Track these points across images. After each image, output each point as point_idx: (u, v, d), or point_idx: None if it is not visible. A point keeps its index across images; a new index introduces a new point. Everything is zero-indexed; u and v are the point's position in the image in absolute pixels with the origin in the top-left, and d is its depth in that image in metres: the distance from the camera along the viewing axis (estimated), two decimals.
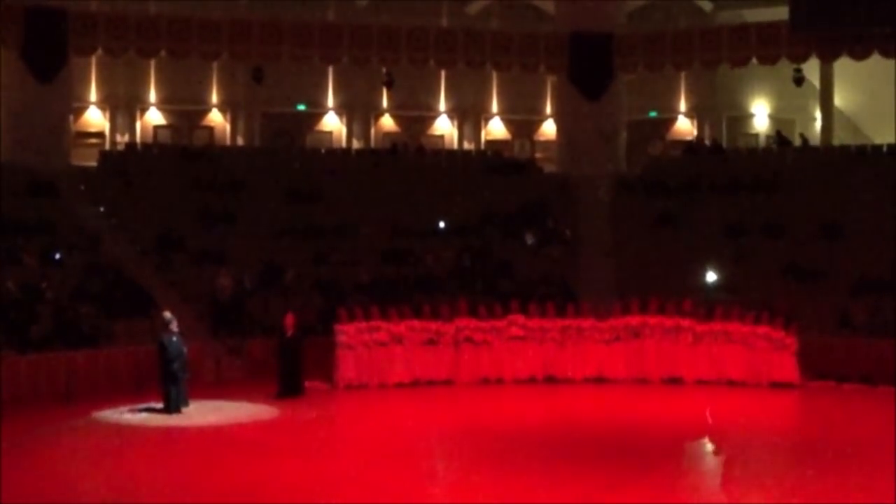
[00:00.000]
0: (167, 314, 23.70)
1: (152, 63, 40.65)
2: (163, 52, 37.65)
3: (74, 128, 39.05)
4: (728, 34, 38.56)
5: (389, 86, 39.92)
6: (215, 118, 42.56)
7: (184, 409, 22.62)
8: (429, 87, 43.68)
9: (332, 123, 43.55)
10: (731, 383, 26.85)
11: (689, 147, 41.24)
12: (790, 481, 17.38)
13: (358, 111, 43.51)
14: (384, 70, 39.19)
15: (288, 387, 24.84)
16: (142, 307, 28.49)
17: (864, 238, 31.87)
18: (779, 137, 40.76)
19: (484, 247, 33.46)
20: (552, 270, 32.53)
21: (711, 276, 31.41)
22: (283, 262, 31.49)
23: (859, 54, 36.73)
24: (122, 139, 41.16)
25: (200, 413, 22.70)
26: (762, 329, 26.90)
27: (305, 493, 16.31)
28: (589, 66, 38.89)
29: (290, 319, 25.53)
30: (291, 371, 25.04)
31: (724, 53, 38.48)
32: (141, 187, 34.67)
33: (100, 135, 41.43)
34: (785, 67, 38.38)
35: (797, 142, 40.58)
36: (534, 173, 39.99)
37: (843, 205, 33.62)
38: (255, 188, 35.35)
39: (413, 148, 40.46)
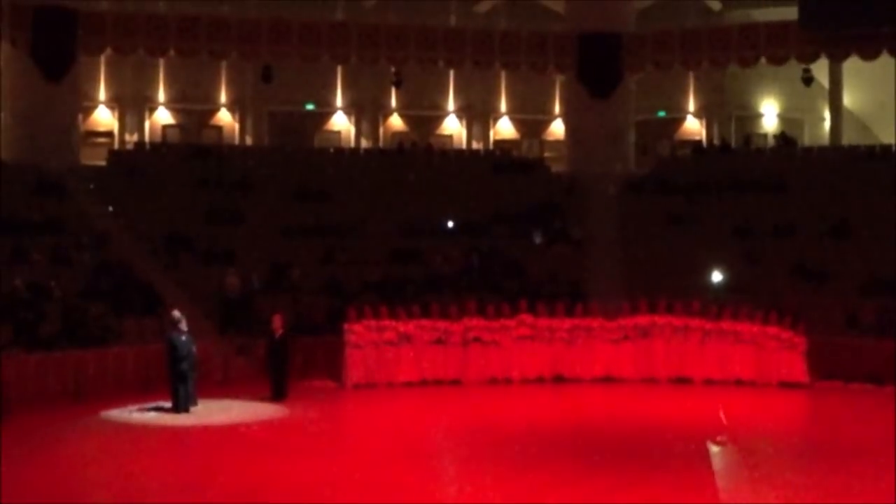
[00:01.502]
0: (176, 313, 23.70)
1: (161, 62, 40.81)
2: (171, 52, 37.74)
3: (83, 127, 39.19)
4: (737, 34, 38.56)
5: (398, 85, 39.98)
6: (224, 117, 42.66)
7: (192, 409, 22.63)
8: (437, 86, 43.76)
9: (341, 123, 43.63)
10: (740, 383, 26.85)
11: (698, 147, 41.21)
12: (798, 481, 17.35)
13: (366, 111, 43.61)
14: (393, 69, 39.23)
15: (279, 389, 24.60)
16: (150, 306, 28.51)
17: (872, 238, 31.83)
18: (783, 137, 40.74)
19: (492, 246, 33.46)
20: (561, 270, 32.49)
21: (717, 276, 31.36)
22: (291, 262, 31.49)
23: (868, 54, 36.71)
24: (130, 138, 41.31)
25: (209, 412, 22.70)
26: (771, 329, 26.91)
27: (313, 492, 16.31)
28: (597, 66, 38.89)
29: (278, 320, 25.22)
30: (279, 373, 24.74)
31: (733, 53, 38.49)
32: (149, 186, 34.72)
33: (108, 134, 41.59)
34: (794, 67, 38.35)
35: (805, 142, 40.64)
36: (542, 173, 39.99)
37: (852, 205, 33.59)
38: (263, 187, 35.39)
39: (421, 147, 40.50)
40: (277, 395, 24.43)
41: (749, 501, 16.35)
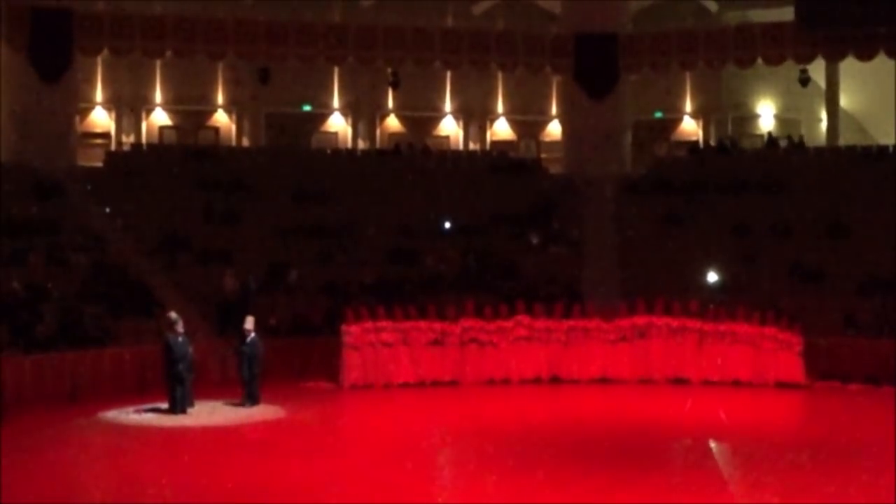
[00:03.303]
0: (172, 314, 23.65)
1: (158, 63, 40.73)
2: (168, 53, 37.70)
3: (80, 128, 39.10)
4: (733, 34, 38.58)
5: (395, 86, 39.94)
6: (221, 118, 42.61)
7: (189, 410, 22.60)
8: (434, 87, 43.73)
9: (338, 124, 43.59)
10: (737, 383, 26.84)
11: (695, 147, 41.22)
12: (795, 481, 17.34)
13: (363, 112, 43.56)
14: (389, 70, 39.20)
15: (252, 394, 23.64)
16: (147, 307, 28.50)
17: (869, 238, 31.85)
18: (769, 138, 40.77)
19: (489, 247, 33.45)
20: (558, 271, 32.52)
21: (712, 276, 31.36)
22: (288, 263, 31.48)
23: (865, 55, 36.74)
24: (127, 140, 41.25)
25: (206, 413, 22.70)
26: (768, 330, 26.90)
27: (311, 493, 16.30)
28: (594, 67, 38.88)
29: (249, 323, 24.04)
30: (252, 378, 23.60)
31: (729, 54, 38.49)
32: (146, 188, 34.70)
33: (105, 135, 41.52)
34: (790, 68, 38.37)
35: (804, 142, 40.74)
36: (539, 174, 39.98)
37: (849, 205, 33.63)
38: (260, 188, 35.37)
39: (418, 148, 40.46)
40: (249, 400, 23.52)
41: (746, 502, 16.35)
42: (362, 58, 38.60)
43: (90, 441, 20.76)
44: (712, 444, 20.66)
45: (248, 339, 23.83)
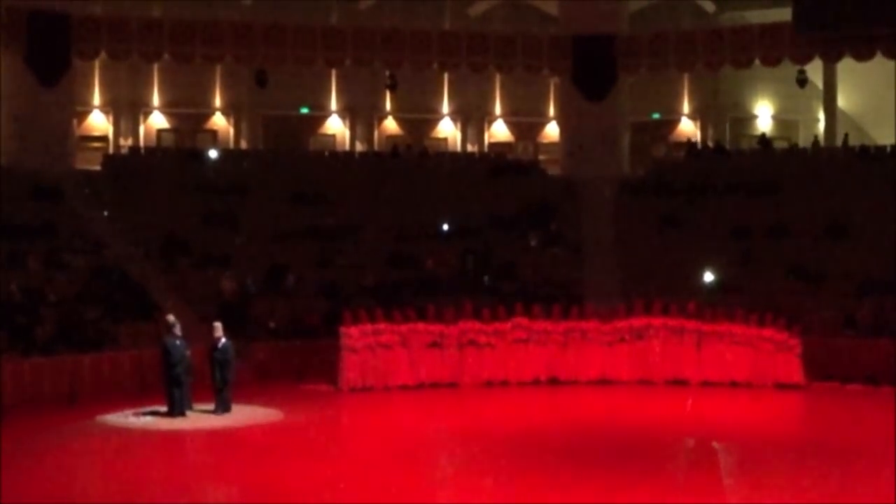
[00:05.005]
0: (171, 317, 23.61)
1: (155, 67, 40.70)
2: (166, 56, 37.66)
3: (78, 131, 39.11)
4: (731, 35, 38.55)
5: (393, 88, 39.95)
6: (218, 121, 42.59)
7: (188, 413, 22.58)
8: (432, 89, 43.72)
9: (336, 126, 43.58)
10: (736, 384, 26.83)
11: (692, 148, 41.22)
12: (795, 482, 17.35)
13: (361, 114, 43.55)
14: (387, 73, 39.19)
15: (224, 401, 22.88)
16: (146, 310, 28.51)
17: (868, 239, 31.88)
18: (762, 140, 40.81)
19: (487, 249, 33.46)
20: (556, 272, 32.53)
21: (708, 277, 31.38)
22: (287, 265, 31.49)
23: (862, 55, 36.71)
24: (125, 143, 41.23)
25: (204, 416, 22.67)
26: (766, 331, 26.87)
27: (310, 495, 16.30)
28: (592, 68, 38.88)
29: (218, 329, 23.19)
30: (224, 384, 22.83)
31: (727, 55, 38.46)
32: (144, 191, 34.70)
33: (103, 138, 41.50)
34: (788, 68, 38.36)
35: (800, 143, 40.81)
36: (537, 175, 39.99)
37: (847, 206, 33.61)
38: (258, 191, 35.37)
39: (416, 150, 40.47)
40: (221, 408, 22.81)
41: (746, 503, 16.36)
42: (360, 60, 38.56)
43: (89, 444, 20.75)
44: (714, 445, 20.67)
45: (220, 345, 23.19)
